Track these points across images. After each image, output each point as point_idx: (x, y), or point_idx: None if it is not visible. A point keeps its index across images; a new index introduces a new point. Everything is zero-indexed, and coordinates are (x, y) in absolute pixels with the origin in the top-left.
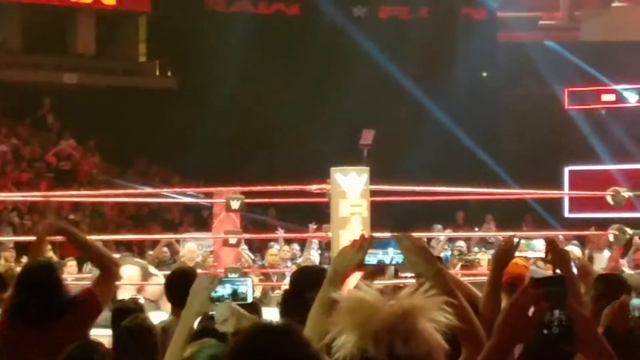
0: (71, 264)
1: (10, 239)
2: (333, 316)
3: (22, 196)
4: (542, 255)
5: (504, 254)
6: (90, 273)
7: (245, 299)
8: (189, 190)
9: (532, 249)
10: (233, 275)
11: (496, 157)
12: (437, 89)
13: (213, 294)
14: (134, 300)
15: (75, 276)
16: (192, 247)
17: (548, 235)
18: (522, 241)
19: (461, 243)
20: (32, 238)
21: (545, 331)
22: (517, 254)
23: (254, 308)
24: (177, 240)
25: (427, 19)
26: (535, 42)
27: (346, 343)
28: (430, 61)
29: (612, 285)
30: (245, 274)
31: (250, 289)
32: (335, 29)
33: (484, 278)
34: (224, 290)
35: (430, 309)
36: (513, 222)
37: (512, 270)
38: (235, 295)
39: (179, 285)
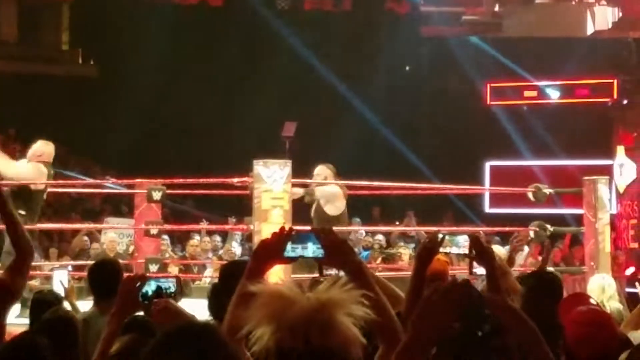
0: None
1: None
2: (250, 309)
3: None
4: (466, 251)
5: (428, 250)
6: None
7: (170, 294)
8: (110, 181)
9: (455, 245)
10: (154, 266)
11: (417, 152)
12: (359, 83)
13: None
14: (52, 293)
15: None
16: (113, 237)
17: (472, 231)
18: (446, 237)
19: (380, 237)
20: None
21: (479, 333)
22: (440, 249)
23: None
24: (99, 230)
25: (350, 12)
26: (458, 37)
27: (262, 335)
28: (353, 54)
29: (542, 282)
30: (165, 265)
31: (173, 284)
32: (259, 21)
33: (406, 273)
34: (149, 287)
35: (347, 302)
36: (434, 218)
37: (434, 266)
38: (159, 290)
39: (101, 276)
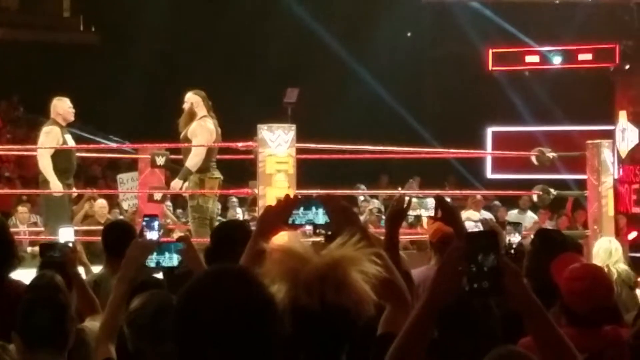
0: (22, 210)
1: None
2: (263, 267)
3: None
4: (432, 213)
5: (397, 213)
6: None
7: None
8: (115, 146)
9: (424, 207)
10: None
11: (420, 118)
12: (361, 48)
13: (148, 262)
14: (60, 244)
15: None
16: (103, 203)
17: (438, 193)
18: (415, 199)
19: (376, 202)
20: None
21: (475, 285)
22: (410, 212)
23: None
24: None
25: None
26: (459, 2)
27: (277, 293)
28: (355, 20)
29: (549, 241)
30: (169, 230)
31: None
32: None
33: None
34: (159, 256)
35: (360, 259)
36: (436, 183)
37: (444, 228)
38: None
39: (114, 236)
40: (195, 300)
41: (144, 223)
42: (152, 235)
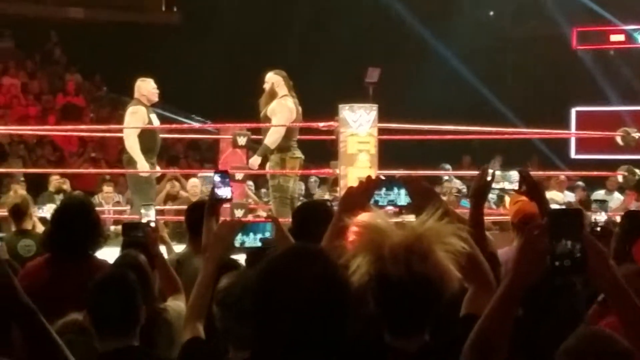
0: (107, 189)
1: (20, 170)
2: (347, 241)
3: (31, 130)
4: (517, 186)
5: (481, 187)
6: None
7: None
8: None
9: (508, 180)
10: (239, 211)
11: (502, 98)
12: (443, 28)
13: (236, 242)
14: (141, 223)
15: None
16: (195, 182)
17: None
18: (498, 172)
19: (457, 182)
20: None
21: (556, 263)
22: (494, 185)
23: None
24: (184, 175)
25: None
26: None
27: (361, 265)
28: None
29: (638, 222)
30: (251, 210)
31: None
32: None
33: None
34: (247, 237)
35: (444, 234)
36: (519, 163)
37: (526, 208)
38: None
39: (198, 215)
40: (272, 279)
41: (217, 179)
42: (224, 191)
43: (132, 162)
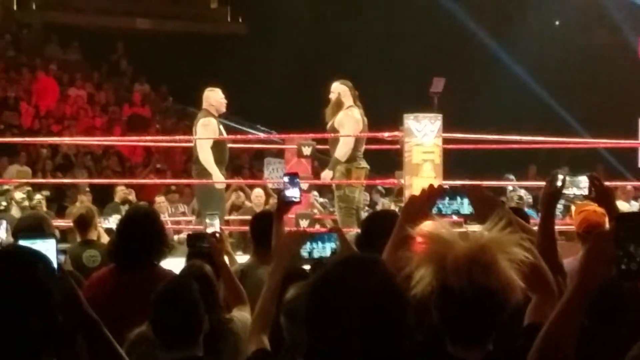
0: (159, 200)
1: (86, 181)
2: (408, 251)
3: (97, 140)
4: (586, 192)
5: (551, 192)
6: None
7: (328, 255)
8: (262, 136)
9: (576, 186)
10: (304, 221)
11: (568, 107)
12: (509, 37)
13: (303, 252)
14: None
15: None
16: (260, 192)
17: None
18: (568, 178)
19: (523, 192)
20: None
21: (623, 266)
22: (564, 191)
23: None
24: (248, 186)
25: None
26: None
27: (425, 276)
28: (502, 8)
29: None
30: (316, 220)
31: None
32: None
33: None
34: (316, 247)
35: (507, 244)
36: (583, 172)
37: (590, 217)
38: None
39: (263, 226)
40: (326, 287)
41: (286, 180)
42: (293, 192)
43: (204, 175)
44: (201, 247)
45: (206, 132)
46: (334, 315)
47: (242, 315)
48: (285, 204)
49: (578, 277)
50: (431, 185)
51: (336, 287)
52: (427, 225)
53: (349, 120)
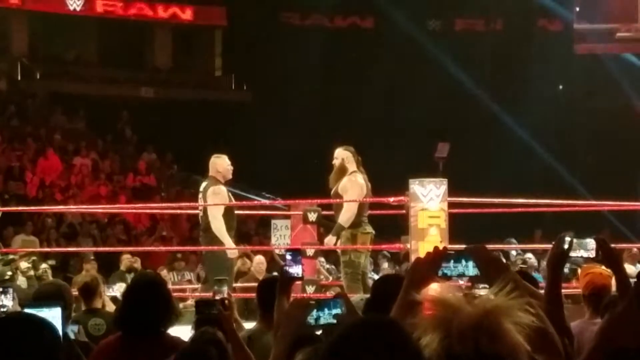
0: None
1: (91, 249)
2: (415, 317)
3: (102, 209)
4: (593, 254)
5: (558, 255)
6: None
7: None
8: (266, 203)
9: (584, 248)
10: (310, 287)
11: (572, 170)
12: (512, 101)
13: (310, 320)
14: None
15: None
16: (261, 259)
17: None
18: (575, 240)
19: (528, 255)
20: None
21: None
22: (571, 254)
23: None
24: (253, 252)
25: (502, 31)
26: (612, 54)
27: (431, 343)
28: (505, 73)
29: None
30: (322, 286)
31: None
32: (409, 42)
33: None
34: (322, 314)
35: (513, 309)
36: (589, 235)
37: (596, 280)
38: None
39: (269, 292)
40: (346, 349)
41: (289, 257)
42: (296, 269)
43: (214, 244)
44: (209, 313)
45: (217, 200)
46: None
47: None
48: (287, 280)
49: (601, 341)
50: (436, 248)
51: (357, 348)
52: (433, 289)
53: (352, 186)
